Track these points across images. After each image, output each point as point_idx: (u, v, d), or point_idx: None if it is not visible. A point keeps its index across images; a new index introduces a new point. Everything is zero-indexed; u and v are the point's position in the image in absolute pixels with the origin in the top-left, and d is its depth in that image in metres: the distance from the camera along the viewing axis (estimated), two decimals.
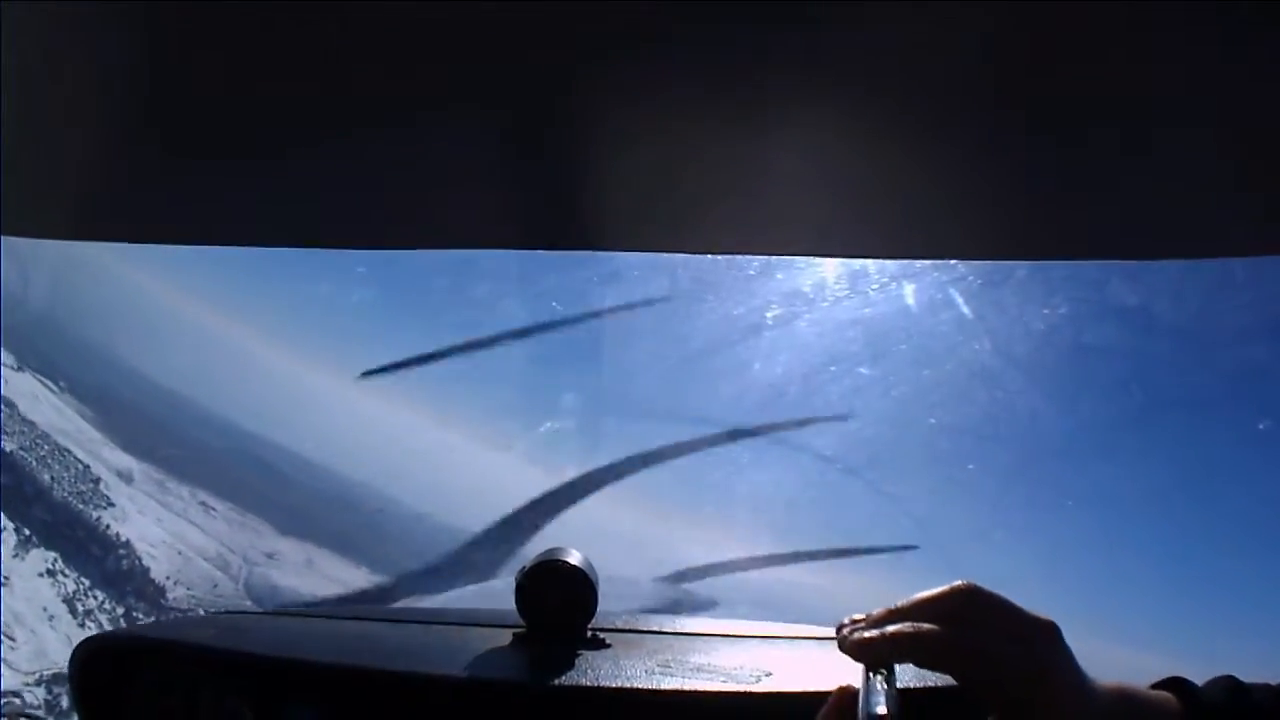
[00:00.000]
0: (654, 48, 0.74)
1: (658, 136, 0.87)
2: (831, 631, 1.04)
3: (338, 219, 1.09)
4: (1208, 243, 1.03)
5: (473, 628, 0.96)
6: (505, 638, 0.91)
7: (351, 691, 0.83)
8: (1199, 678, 0.58)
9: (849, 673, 0.81)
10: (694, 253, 1.11)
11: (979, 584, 0.54)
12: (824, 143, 0.87)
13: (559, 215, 1.04)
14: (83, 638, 0.89)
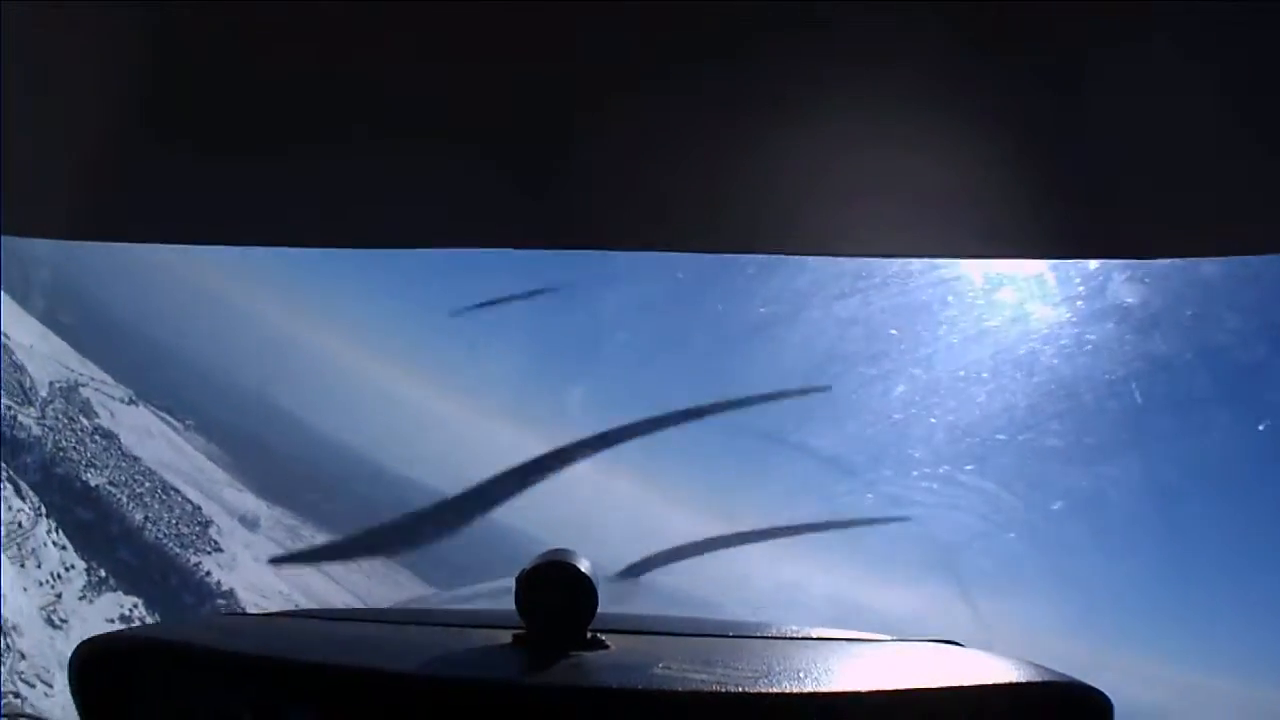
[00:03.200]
0: (655, 47, 0.74)
1: (659, 136, 0.87)
2: (831, 632, 1.04)
3: (338, 219, 1.09)
4: (1208, 243, 1.03)
5: (472, 629, 0.96)
6: (505, 639, 0.91)
7: (351, 693, 0.83)
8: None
9: (847, 673, 0.82)
10: (694, 252, 1.11)
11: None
12: (825, 143, 0.87)
13: (559, 215, 1.04)
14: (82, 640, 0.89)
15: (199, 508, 8.17)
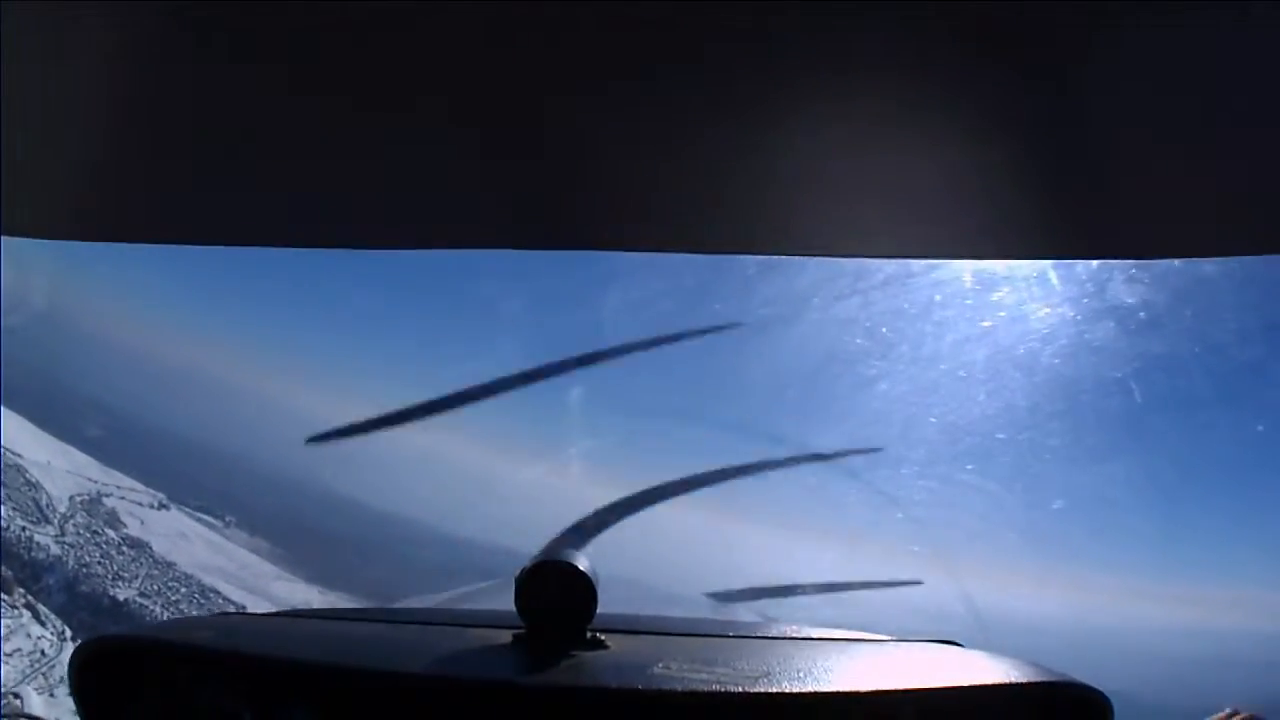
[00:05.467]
0: (655, 49, 0.74)
1: (659, 138, 0.87)
2: (831, 632, 1.04)
3: (338, 219, 1.09)
4: (1208, 243, 1.03)
5: (472, 628, 0.96)
6: (504, 638, 0.91)
7: (350, 692, 0.83)
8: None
9: (847, 673, 0.82)
10: (694, 252, 1.11)
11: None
12: (825, 144, 0.87)
13: (559, 215, 1.04)
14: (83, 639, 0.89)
15: (243, 606, 7.44)
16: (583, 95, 0.80)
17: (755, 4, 0.67)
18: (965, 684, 0.81)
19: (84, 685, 0.87)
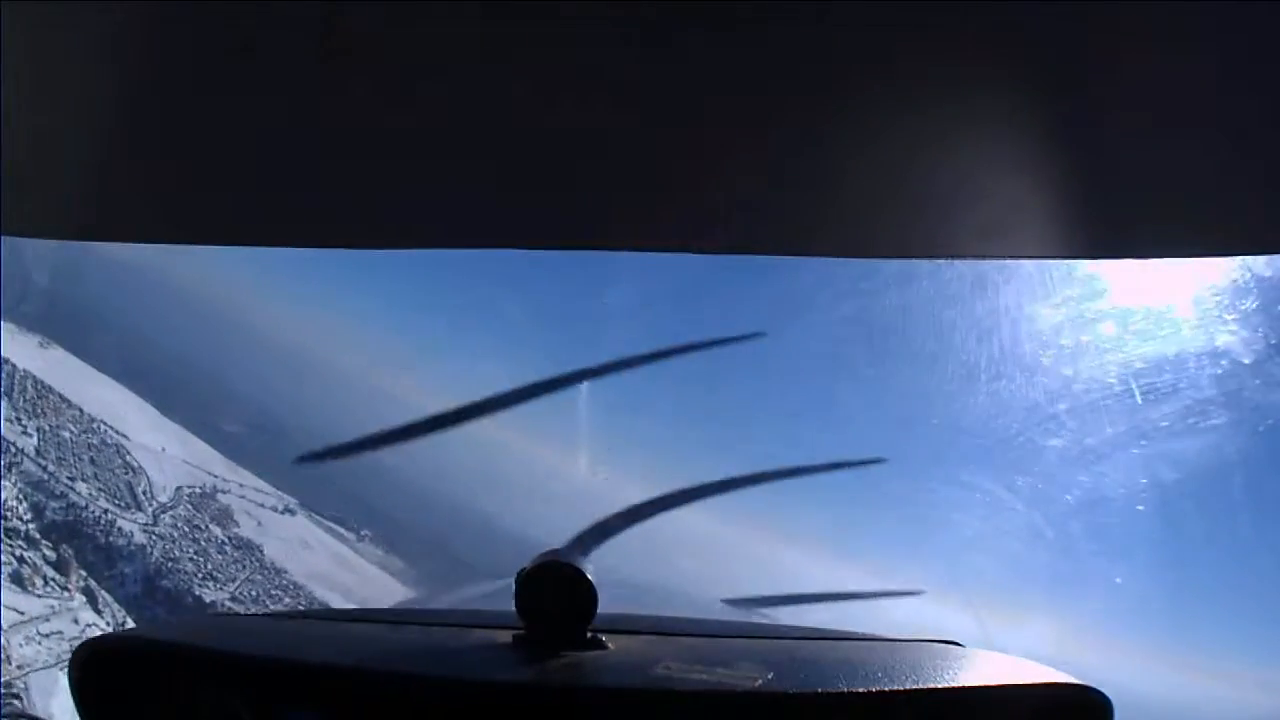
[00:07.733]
0: (654, 48, 0.74)
1: (659, 137, 0.87)
2: (831, 632, 1.04)
3: (338, 219, 1.09)
4: (1208, 243, 1.03)
5: (472, 629, 0.96)
6: (505, 639, 0.91)
7: (350, 693, 0.83)
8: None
9: (848, 674, 0.82)
10: (694, 252, 1.11)
11: None
12: (825, 142, 0.87)
13: (559, 215, 1.04)
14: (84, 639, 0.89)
15: None
16: (583, 94, 0.80)
17: (755, 4, 0.67)
18: (966, 684, 0.81)
19: (84, 685, 0.87)
